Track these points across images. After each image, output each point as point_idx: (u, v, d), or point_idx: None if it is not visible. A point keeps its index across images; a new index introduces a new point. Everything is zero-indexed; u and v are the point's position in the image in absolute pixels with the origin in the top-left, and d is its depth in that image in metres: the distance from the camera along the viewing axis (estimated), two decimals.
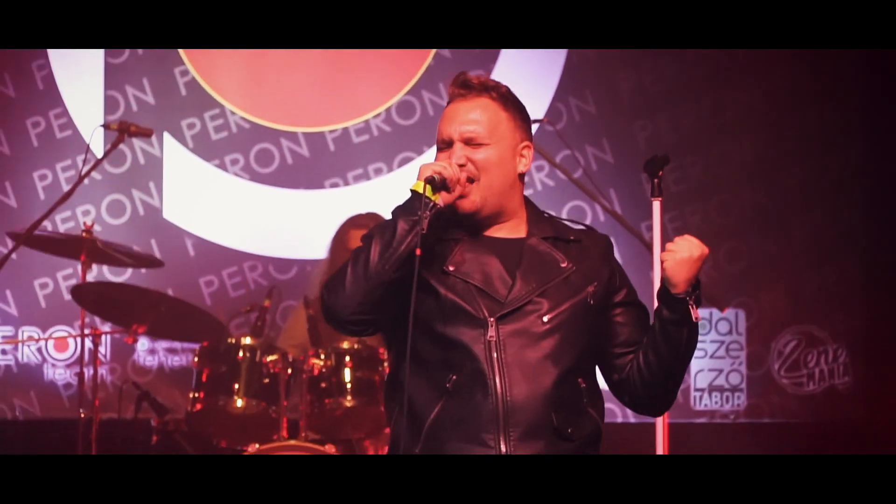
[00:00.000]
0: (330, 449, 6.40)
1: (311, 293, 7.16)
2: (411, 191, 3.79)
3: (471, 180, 3.86)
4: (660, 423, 5.66)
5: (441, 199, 3.77)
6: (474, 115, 3.90)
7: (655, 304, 3.90)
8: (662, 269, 3.85)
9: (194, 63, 8.29)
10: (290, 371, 6.74)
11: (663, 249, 4.16)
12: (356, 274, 3.80)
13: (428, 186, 3.75)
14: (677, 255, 3.76)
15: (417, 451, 3.87)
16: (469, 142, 3.85)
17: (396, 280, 3.82)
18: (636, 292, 4.01)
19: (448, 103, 4.02)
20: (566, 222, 4.03)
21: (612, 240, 4.05)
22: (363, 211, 7.71)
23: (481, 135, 3.87)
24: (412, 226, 3.77)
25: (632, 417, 7.90)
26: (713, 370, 8.13)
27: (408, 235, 3.76)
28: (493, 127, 3.91)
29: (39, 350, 8.00)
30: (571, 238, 3.96)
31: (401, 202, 3.86)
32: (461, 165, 3.86)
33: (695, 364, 8.24)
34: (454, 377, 3.81)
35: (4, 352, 8.05)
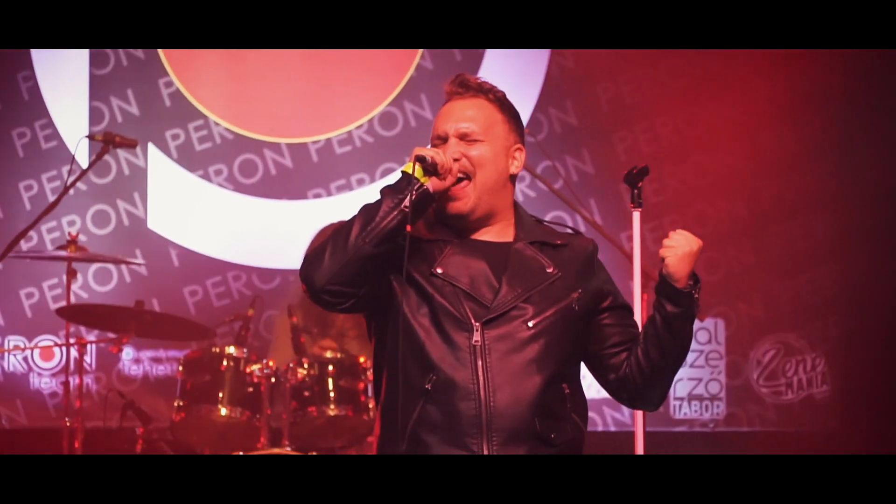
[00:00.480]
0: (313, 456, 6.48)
1: (293, 302, 7.12)
2: (402, 172, 3.77)
3: (464, 178, 3.86)
4: (639, 431, 5.45)
5: (431, 184, 3.78)
6: (470, 113, 3.94)
7: (654, 300, 3.85)
8: (665, 266, 3.86)
9: (178, 75, 8.28)
10: (273, 380, 6.68)
11: (643, 259, 4.54)
12: (336, 245, 3.80)
13: (418, 166, 3.76)
14: (679, 251, 3.77)
15: (403, 451, 3.86)
16: (464, 137, 3.88)
17: (376, 256, 3.82)
18: (620, 292, 4.01)
19: (445, 102, 4.04)
20: (553, 226, 4.04)
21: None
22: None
23: (476, 131, 3.90)
24: (397, 203, 3.78)
25: (612, 426, 8.04)
26: (693, 379, 8.13)
27: (391, 212, 3.77)
28: (489, 126, 3.94)
29: (25, 359, 7.96)
30: (558, 242, 3.95)
31: (390, 182, 3.92)
32: (456, 160, 3.88)
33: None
34: (434, 377, 3.82)
35: None
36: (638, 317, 4.54)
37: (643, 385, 3.90)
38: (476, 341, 3.79)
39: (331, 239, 3.82)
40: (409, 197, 3.77)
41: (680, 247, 3.75)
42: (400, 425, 3.91)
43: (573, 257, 3.96)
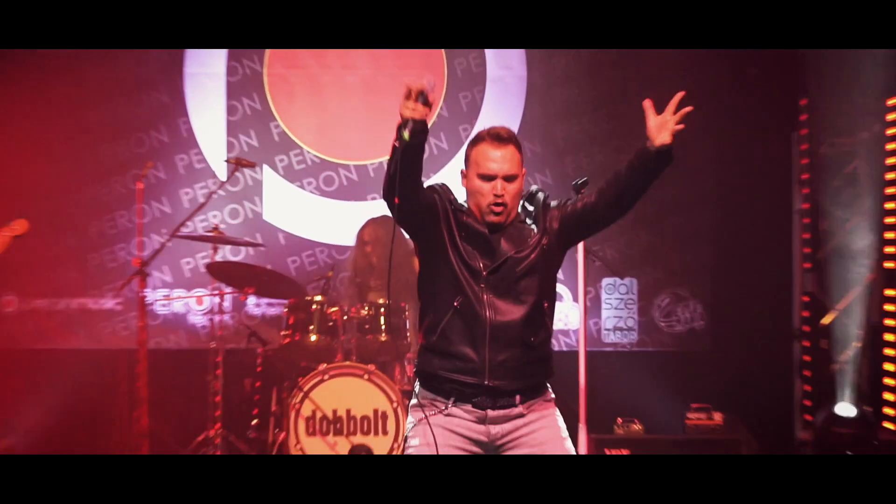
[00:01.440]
0: (371, 367, 7.31)
1: (357, 267, 8.31)
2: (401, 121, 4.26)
3: (501, 204, 4.44)
4: (581, 351, 7.02)
5: (418, 114, 4.22)
6: (508, 160, 4.41)
7: (640, 154, 4.40)
8: (664, 137, 4.32)
9: (282, 120, 9.12)
10: (345, 318, 7.69)
11: (586, 249, 5.97)
12: (389, 165, 4.31)
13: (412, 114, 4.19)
14: (668, 126, 4.27)
15: (434, 339, 4.50)
16: (506, 178, 4.40)
17: (413, 148, 4.24)
18: (569, 199, 4.57)
19: (480, 143, 4.53)
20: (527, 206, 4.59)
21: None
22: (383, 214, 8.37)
23: (513, 172, 4.40)
24: (404, 124, 4.19)
25: (564, 347, 8.84)
26: (617, 317, 9.19)
27: (403, 128, 4.22)
28: (518, 166, 4.42)
29: (185, 304, 8.91)
30: (531, 214, 4.53)
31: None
32: (500, 195, 4.42)
33: (605, 313, 9.14)
34: (461, 298, 4.42)
35: (164, 305, 8.84)
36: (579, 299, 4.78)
37: (615, 200, 4.40)
38: (482, 284, 4.42)
39: (387, 167, 4.37)
40: (408, 125, 4.17)
41: (666, 125, 4.30)
42: (434, 323, 4.51)
43: (538, 216, 4.53)
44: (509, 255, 4.44)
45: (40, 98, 8.84)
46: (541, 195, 4.57)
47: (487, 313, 4.37)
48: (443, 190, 4.55)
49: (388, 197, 4.33)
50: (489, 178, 4.38)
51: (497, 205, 4.39)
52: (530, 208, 4.53)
